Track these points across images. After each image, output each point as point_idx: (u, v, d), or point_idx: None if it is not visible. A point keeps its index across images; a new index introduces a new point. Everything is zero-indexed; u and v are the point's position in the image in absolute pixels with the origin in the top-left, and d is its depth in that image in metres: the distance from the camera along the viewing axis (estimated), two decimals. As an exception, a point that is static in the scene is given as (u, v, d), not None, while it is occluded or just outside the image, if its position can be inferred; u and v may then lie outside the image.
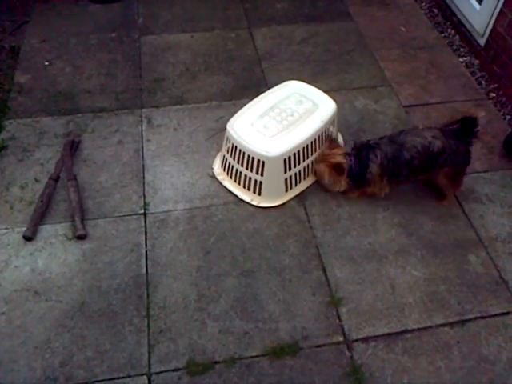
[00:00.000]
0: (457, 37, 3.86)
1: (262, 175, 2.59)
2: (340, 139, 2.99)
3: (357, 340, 2.21)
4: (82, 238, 2.50)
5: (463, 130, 2.50)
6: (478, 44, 3.63)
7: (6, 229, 2.54)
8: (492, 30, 3.45)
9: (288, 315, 2.28)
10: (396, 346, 2.20)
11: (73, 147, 2.90)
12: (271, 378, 2.09)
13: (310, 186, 2.78)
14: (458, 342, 2.21)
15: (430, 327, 2.26)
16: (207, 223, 2.61)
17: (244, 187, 2.70)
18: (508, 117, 3.24)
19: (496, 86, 3.44)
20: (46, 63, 3.49)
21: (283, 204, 2.71)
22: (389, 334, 2.23)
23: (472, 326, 2.27)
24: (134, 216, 2.62)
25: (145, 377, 2.08)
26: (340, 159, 2.57)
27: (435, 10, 4.13)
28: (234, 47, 3.68)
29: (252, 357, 2.15)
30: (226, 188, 2.76)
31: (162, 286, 2.35)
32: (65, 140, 2.94)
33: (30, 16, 3.87)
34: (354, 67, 3.55)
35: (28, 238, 2.49)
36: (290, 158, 2.58)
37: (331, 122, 2.75)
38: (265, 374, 2.10)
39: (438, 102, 3.32)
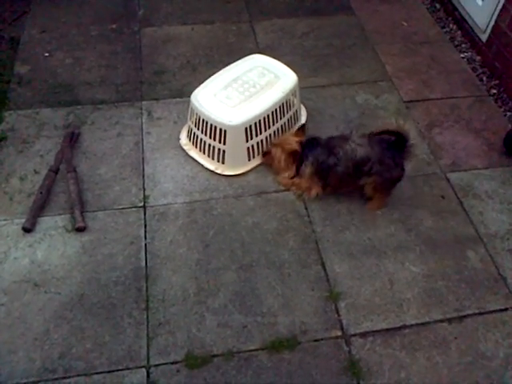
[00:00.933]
0: (458, 32, 3.85)
1: (224, 144, 2.70)
2: (303, 112, 3.08)
3: (355, 335, 2.22)
4: (81, 230, 2.50)
5: (397, 143, 2.48)
6: (480, 40, 3.62)
7: (5, 220, 2.54)
8: (494, 25, 3.44)
9: (287, 309, 2.28)
10: (394, 342, 2.20)
11: (72, 139, 2.89)
12: (269, 372, 2.10)
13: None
14: (456, 338, 2.22)
15: (428, 323, 2.27)
16: (207, 217, 2.61)
17: (209, 156, 2.81)
18: (509, 113, 3.24)
19: (497, 82, 3.43)
20: (46, 54, 3.47)
21: (245, 173, 2.80)
22: (387, 330, 2.24)
23: (470, 322, 2.28)
24: (134, 209, 2.62)
25: (143, 369, 2.09)
26: (296, 147, 2.61)
27: (437, 5, 4.12)
28: (234, 40, 3.67)
29: (250, 350, 2.16)
30: (192, 158, 2.85)
31: (161, 279, 2.36)
32: (64, 132, 2.93)
33: (29, 6, 3.84)
34: (355, 61, 3.54)
35: (27, 230, 2.48)
36: (250, 127, 2.68)
37: (292, 93, 2.84)
38: (263, 368, 2.11)
39: (438, 97, 3.32)
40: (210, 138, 2.71)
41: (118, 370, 2.08)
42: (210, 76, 2.84)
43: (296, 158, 2.64)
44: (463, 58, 3.64)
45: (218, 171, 2.79)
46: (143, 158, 2.86)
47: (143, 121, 3.07)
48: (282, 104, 2.77)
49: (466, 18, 3.78)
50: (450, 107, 3.25)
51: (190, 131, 2.86)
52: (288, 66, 2.91)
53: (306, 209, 2.67)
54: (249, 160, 2.81)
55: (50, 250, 2.44)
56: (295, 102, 2.90)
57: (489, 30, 3.50)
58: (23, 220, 2.51)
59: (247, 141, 2.72)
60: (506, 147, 2.98)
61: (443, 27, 3.91)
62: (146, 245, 2.48)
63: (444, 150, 3.00)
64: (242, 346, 2.17)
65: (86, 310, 2.25)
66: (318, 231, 2.57)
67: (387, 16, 3.96)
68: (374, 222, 2.62)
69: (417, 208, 2.69)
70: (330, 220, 2.62)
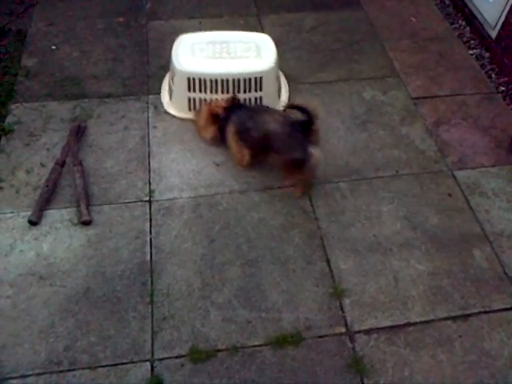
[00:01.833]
0: (467, 28, 3.82)
1: (173, 85, 2.98)
2: (284, 86, 3.18)
3: (359, 332, 2.22)
4: (87, 223, 2.51)
5: (307, 124, 2.46)
6: (489, 36, 3.59)
7: (12, 213, 2.55)
8: (504, 22, 3.40)
9: (291, 305, 2.29)
10: (398, 339, 2.20)
11: (79, 132, 2.89)
12: (273, 368, 2.10)
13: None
14: (460, 336, 2.22)
15: (433, 321, 2.26)
16: (212, 212, 2.61)
17: (170, 99, 3.08)
18: (517, 111, 3.21)
19: (506, 79, 3.40)
20: (53, 47, 3.47)
21: (184, 120, 2.99)
22: (391, 327, 2.24)
23: (475, 320, 2.27)
24: (139, 203, 2.63)
25: (148, 363, 2.10)
26: (218, 110, 2.73)
27: (446, 1, 4.08)
28: (242, 34, 3.64)
29: (254, 346, 2.16)
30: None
31: (166, 274, 2.36)
32: (71, 125, 2.94)
33: (37, -1, 3.84)
34: (363, 57, 3.52)
35: (33, 223, 2.49)
36: (194, 79, 2.85)
37: (258, 78, 2.89)
38: (267, 364, 2.11)
39: (446, 94, 3.29)
40: (171, 80, 3.00)
41: (122, 364, 2.10)
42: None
43: (216, 121, 2.74)
44: (472, 54, 3.61)
45: (165, 106, 3.08)
46: (149, 152, 2.86)
47: (149, 115, 3.06)
48: (240, 82, 2.86)
49: (476, 13, 3.74)
50: (458, 104, 3.23)
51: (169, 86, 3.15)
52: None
53: (312, 205, 2.66)
54: (189, 110, 2.99)
55: (55, 243, 2.45)
56: (263, 88, 2.94)
57: (498, 27, 3.47)
58: (29, 213, 2.51)
59: (189, 91, 2.91)
60: (513, 145, 2.96)
61: (452, 23, 3.87)
62: (151, 239, 2.48)
63: (451, 147, 2.98)
64: (247, 342, 2.17)
65: (91, 303, 2.26)
66: (323, 227, 2.57)
67: (395, 11, 3.93)
68: (380, 219, 2.62)
69: (423, 205, 2.68)
70: (336, 216, 2.62)
